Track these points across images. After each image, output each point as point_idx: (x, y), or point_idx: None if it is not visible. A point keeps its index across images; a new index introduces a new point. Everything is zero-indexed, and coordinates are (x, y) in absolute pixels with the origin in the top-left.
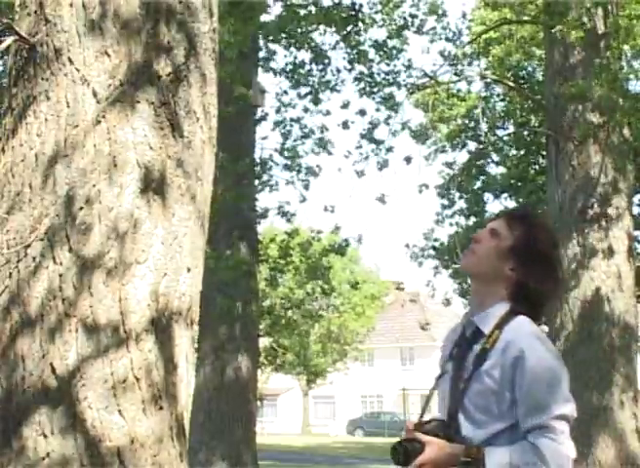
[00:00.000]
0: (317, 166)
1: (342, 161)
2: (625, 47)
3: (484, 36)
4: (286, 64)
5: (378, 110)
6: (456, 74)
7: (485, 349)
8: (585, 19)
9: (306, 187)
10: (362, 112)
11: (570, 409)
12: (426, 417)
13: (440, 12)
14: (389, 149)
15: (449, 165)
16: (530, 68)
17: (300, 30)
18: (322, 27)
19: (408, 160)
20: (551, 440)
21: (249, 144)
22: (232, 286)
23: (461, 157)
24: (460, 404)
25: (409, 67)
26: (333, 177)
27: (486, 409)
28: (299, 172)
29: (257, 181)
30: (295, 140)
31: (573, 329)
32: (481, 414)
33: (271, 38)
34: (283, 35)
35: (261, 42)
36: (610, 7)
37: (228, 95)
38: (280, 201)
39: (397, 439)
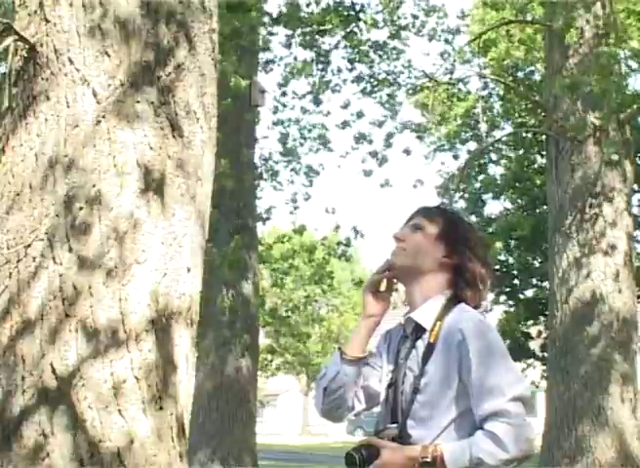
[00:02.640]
0: (311, 169)
1: (340, 160)
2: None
3: (483, 37)
4: (286, 65)
5: (379, 110)
6: (455, 77)
7: (430, 344)
8: (583, 20)
9: (306, 196)
10: (359, 115)
11: (524, 388)
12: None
13: (440, 13)
14: (388, 145)
15: (444, 163)
16: (529, 68)
17: (301, 30)
18: (323, 27)
19: (407, 152)
20: (510, 425)
21: (249, 144)
22: (233, 286)
23: (460, 157)
24: (410, 405)
25: (410, 66)
26: (332, 176)
27: (432, 404)
28: (296, 167)
29: (256, 181)
30: (294, 140)
31: (572, 328)
32: (427, 411)
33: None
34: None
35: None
36: (606, 5)
37: (225, 91)
38: (280, 201)
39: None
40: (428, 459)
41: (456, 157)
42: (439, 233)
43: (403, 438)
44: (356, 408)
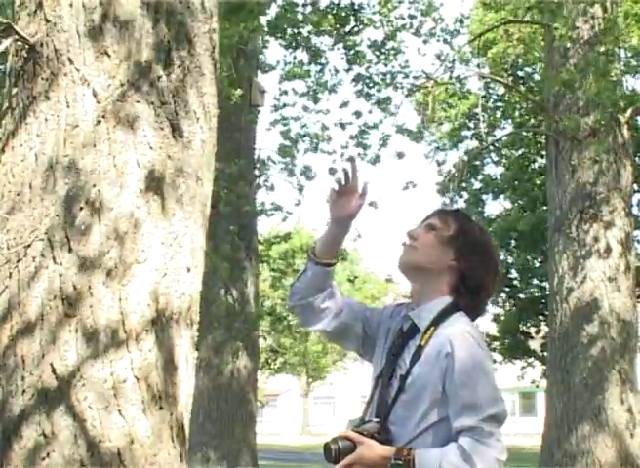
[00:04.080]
0: (310, 169)
1: (338, 160)
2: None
3: (483, 37)
4: (285, 64)
5: (370, 112)
6: (454, 77)
7: (420, 346)
8: (582, 20)
9: (301, 190)
10: (357, 114)
11: (501, 409)
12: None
13: (437, 14)
14: (383, 144)
15: (440, 163)
16: (528, 68)
17: (297, 31)
18: (319, 28)
19: (400, 155)
20: (481, 443)
21: (248, 145)
22: (233, 286)
23: (456, 157)
24: (393, 403)
25: (408, 67)
26: (329, 177)
27: (412, 406)
28: (292, 170)
29: (255, 182)
30: (292, 138)
31: (572, 328)
32: (407, 412)
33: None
34: (279, 35)
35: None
36: (607, 5)
37: (223, 94)
38: (274, 203)
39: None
40: (400, 462)
41: (439, 163)
42: (451, 236)
43: (381, 434)
44: (322, 323)
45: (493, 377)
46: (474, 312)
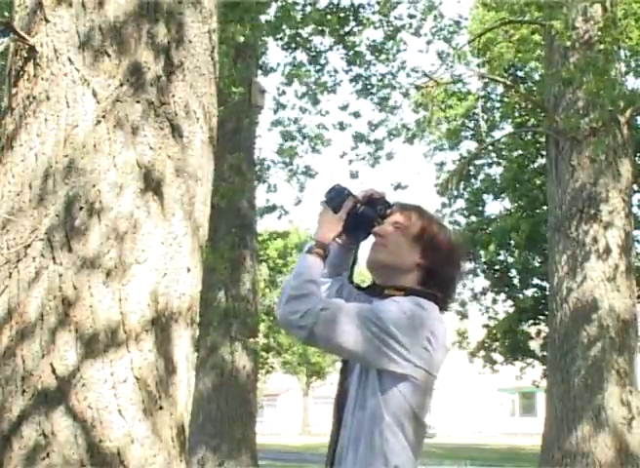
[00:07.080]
0: (310, 169)
1: (337, 161)
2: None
3: (483, 37)
4: (285, 65)
5: (376, 111)
6: (453, 76)
7: None
8: (582, 20)
9: (302, 189)
10: (356, 114)
11: (348, 341)
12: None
13: (437, 13)
14: (380, 146)
15: (440, 165)
16: (528, 68)
17: (296, 31)
18: (319, 29)
19: (389, 156)
20: (317, 307)
21: (248, 145)
22: (232, 285)
23: (455, 157)
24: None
25: (404, 68)
26: (328, 178)
27: (365, 383)
28: (295, 172)
29: (255, 181)
30: (292, 140)
31: (572, 328)
32: (362, 394)
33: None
34: (279, 36)
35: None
36: (607, 5)
37: (223, 94)
38: (275, 203)
39: None
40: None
41: (442, 164)
42: (417, 235)
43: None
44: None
45: (398, 334)
46: (442, 304)
